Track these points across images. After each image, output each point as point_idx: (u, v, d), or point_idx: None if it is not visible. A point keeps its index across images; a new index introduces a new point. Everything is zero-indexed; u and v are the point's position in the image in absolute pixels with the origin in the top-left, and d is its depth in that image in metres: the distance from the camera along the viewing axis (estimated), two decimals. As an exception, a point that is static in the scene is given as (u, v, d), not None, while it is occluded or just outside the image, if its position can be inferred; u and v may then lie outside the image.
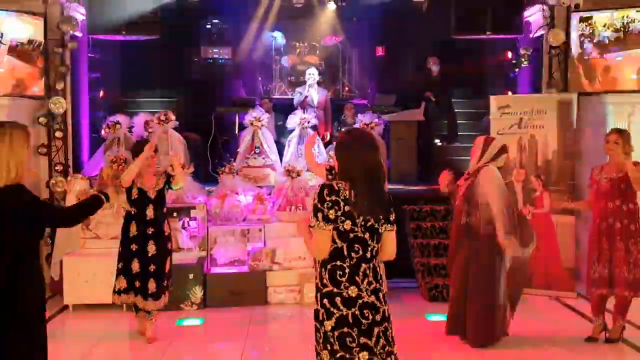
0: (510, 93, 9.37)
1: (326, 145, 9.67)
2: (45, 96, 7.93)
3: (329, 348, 3.02)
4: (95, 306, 6.70)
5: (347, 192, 3.01)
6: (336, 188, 3.02)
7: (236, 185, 7.70)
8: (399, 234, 8.02)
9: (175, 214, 7.07)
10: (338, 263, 3.03)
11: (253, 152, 8.78)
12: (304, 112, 9.64)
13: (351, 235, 3.02)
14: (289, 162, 8.31)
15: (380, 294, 3.08)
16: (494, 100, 7.86)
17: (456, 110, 10.76)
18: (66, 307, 6.73)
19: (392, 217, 3.14)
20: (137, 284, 5.58)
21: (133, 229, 5.60)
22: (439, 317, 6.42)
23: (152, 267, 5.58)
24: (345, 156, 3.13)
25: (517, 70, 9.21)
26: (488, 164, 5.42)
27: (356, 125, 9.22)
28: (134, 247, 5.59)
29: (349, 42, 12.73)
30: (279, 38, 12.47)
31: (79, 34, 8.28)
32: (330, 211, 3.00)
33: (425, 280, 7.22)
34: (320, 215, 3.01)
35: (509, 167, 7.53)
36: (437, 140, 10.71)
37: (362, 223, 3.02)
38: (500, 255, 5.38)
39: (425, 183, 9.27)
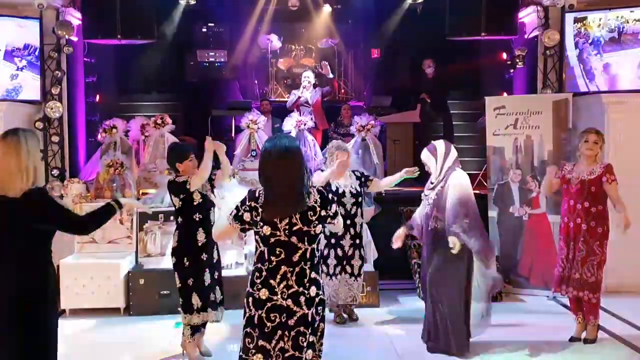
0: (505, 94, 9.40)
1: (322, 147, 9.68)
2: (42, 100, 7.94)
3: (240, 345, 3.18)
4: (92, 310, 6.70)
5: (262, 198, 3.12)
6: (257, 195, 3.14)
7: (233, 188, 7.70)
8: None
9: (172, 217, 7.06)
10: (259, 266, 3.15)
11: (249, 154, 8.78)
12: (299, 114, 9.65)
13: (272, 239, 3.10)
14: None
15: (302, 298, 3.10)
16: (489, 101, 7.88)
17: (452, 111, 10.78)
18: (63, 311, 6.72)
19: (332, 212, 3.22)
20: (212, 296, 5.20)
21: (202, 237, 5.10)
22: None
23: (216, 275, 5.28)
24: (263, 162, 3.21)
25: (512, 71, 9.23)
26: (450, 168, 5.35)
27: (352, 128, 9.24)
28: (204, 256, 5.14)
29: (344, 44, 12.76)
30: (275, 41, 12.47)
31: (74, 38, 8.29)
32: (246, 214, 3.12)
33: (422, 281, 7.21)
34: (234, 212, 3.16)
35: (505, 168, 7.58)
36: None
37: (286, 227, 3.09)
38: (465, 259, 5.26)
39: (422, 184, 9.28)
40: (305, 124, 9.30)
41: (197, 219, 5.11)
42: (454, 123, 10.72)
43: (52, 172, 7.99)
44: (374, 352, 5.65)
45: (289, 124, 9.35)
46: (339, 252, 6.21)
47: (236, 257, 7.20)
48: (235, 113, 9.61)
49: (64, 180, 7.84)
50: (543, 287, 7.21)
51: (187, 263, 5.10)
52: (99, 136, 8.39)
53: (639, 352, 5.49)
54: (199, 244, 5.12)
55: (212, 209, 5.25)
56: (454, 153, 5.42)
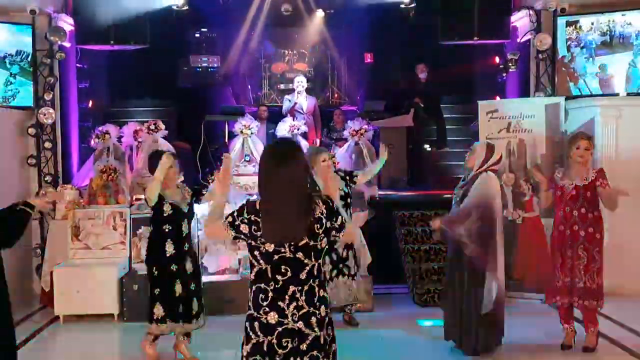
0: (498, 97, 9.43)
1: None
2: (34, 107, 7.92)
3: None
4: (86, 317, 6.68)
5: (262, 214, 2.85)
6: (258, 207, 2.87)
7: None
8: (390, 239, 8.03)
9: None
10: (262, 285, 2.85)
11: (243, 160, 8.78)
12: (293, 119, 9.66)
13: (276, 256, 2.83)
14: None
15: (313, 319, 2.85)
16: (482, 105, 7.89)
17: (445, 115, 10.81)
18: (57, 318, 6.70)
19: (338, 224, 2.93)
20: (181, 307, 5.21)
21: (170, 248, 5.14)
22: (430, 322, 6.44)
23: (192, 286, 5.28)
24: (260, 172, 2.92)
25: (504, 75, 9.27)
26: (487, 170, 5.32)
27: (345, 132, 9.25)
28: (173, 267, 5.17)
29: (337, 49, 12.79)
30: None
31: (67, 44, 8.28)
32: (244, 226, 2.85)
33: (417, 286, 7.23)
34: (230, 219, 2.89)
35: (500, 172, 7.58)
36: (426, 146, 10.75)
37: (292, 243, 2.83)
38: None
39: (416, 188, 9.33)
40: (298, 129, 9.31)
41: (167, 229, 5.14)
42: (447, 127, 10.75)
43: (45, 179, 7.96)
44: (369, 355, 5.64)
45: (283, 129, 9.36)
46: (334, 256, 6.15)
47: (229, 262, 7.20)
48: (229, 118, 9.59)
49: (57, 187, 7.81)
50: (536, 290, 7.21)
51: (155, 273, 5.18)
52: (92, 142, 8.38)
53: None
54: (167, 255, 5.15)
55: (186, 220, 5.25)
56: (495, 156, 5.36)
